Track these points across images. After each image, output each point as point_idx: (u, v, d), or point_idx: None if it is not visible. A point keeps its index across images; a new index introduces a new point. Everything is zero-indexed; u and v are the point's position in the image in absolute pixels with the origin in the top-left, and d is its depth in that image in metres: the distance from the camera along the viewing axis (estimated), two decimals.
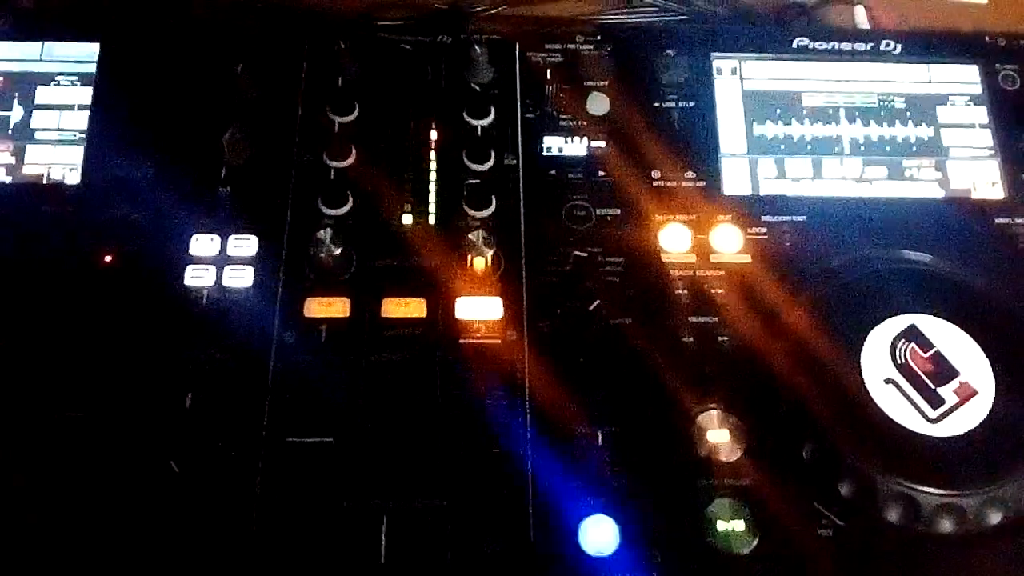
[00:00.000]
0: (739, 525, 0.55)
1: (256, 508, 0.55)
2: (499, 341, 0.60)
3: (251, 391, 0.58)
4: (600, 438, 0.58)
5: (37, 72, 0.68)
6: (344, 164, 0.65)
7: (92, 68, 0.68)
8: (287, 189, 0.64)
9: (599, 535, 0.55)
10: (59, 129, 0.67)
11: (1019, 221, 0.66)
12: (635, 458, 0.57)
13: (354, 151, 0.65)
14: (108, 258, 0.61)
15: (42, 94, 0.68)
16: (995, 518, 0.55)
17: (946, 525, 0.55)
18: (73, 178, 0.65)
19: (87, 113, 0.67)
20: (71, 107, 0.67)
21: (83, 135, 0.66)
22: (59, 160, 0.66)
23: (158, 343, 0.59)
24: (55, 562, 0.53)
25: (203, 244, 0.62)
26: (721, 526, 0.55)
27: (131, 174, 0.64)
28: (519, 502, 0.56)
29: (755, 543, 0.55)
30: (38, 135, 0.67)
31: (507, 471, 0.56)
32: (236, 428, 0.57)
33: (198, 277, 0.61)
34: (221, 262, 0.62)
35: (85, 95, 0.67)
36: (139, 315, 0.60)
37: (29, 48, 0.69)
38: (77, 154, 0.66)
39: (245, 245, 0.62)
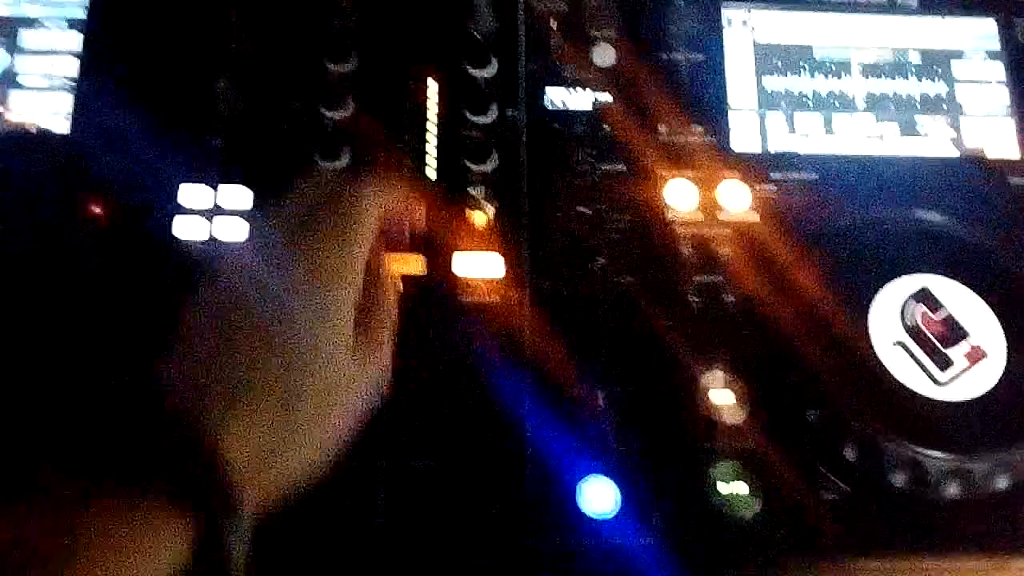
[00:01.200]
0: (742, 488, 0.54)
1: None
2: (499, 299, 0.59)
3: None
4: (602, 399, 0.57)
5: (18, 16, 0.66)
6: (341, 115, 0.63)
7: (81, 12, 0.66)
8: (282, 140, 0.62)
9: (598, 496, 0.54)
10: (47, 75, 0.64)
11: None
12: (637, 420, 0.56)
13: (351, 101, 0.63)
14: (97, 208, 0.60)
15: (26, 38, 0.65)
16: (1003, 483, 0.54)
17: (953, 490, 0.54)
18: (62, 127, 0.63)
19: (75, 60, 0.64)
20: (58, 52, 0.65)
21: (71, 82, 0.64)
22: (48, 108, 0.64)
23: (148, 296, 0.57)
24: None
25: (193, 194, 0.60)
26: (724, 489, 0.54)
27: (122, 123, 0.62)
28: (517, 463, 0.55)
29: (758, 507, 0.54)
30: (21, 80, 0.64)
31: (505, 432, 0.55)
32: None
33: (188, 228, 0.59)
34: (212, 214, 0.60)
35: (72, 40, 0.65)
36: (129, 267, 0.58)
37: None
38: (65, 102, 0.64)
39: (238, 197, 0.61)
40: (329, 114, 0.63)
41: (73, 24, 0.66)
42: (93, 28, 0.65)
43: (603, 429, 0.56)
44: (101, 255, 0.58)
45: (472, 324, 0.58)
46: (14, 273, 0.57)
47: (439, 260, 0.59)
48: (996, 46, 0.69)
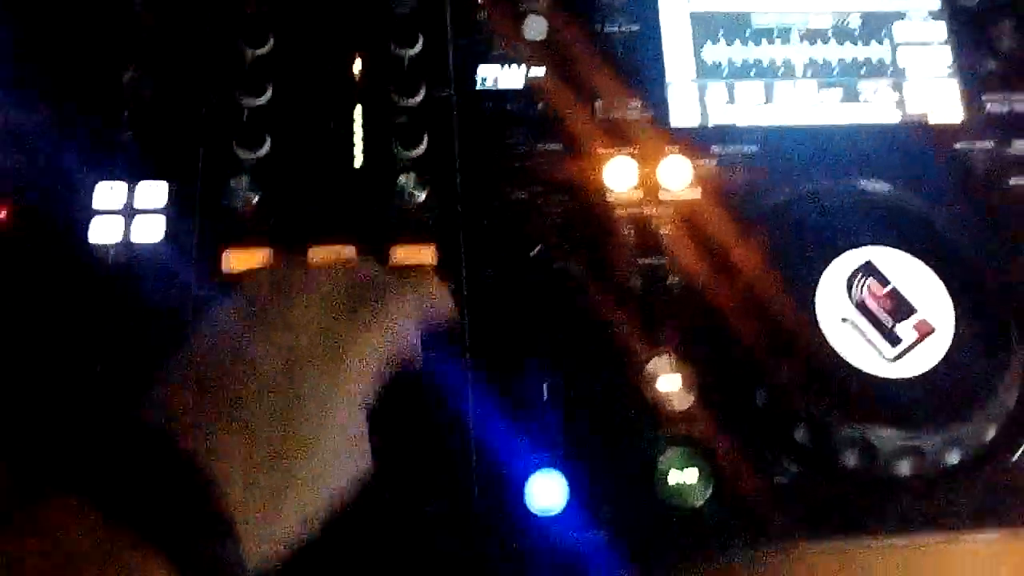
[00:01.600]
0: (692, 476, 0.53)
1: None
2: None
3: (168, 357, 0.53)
4: (545, 389, 0.55)
5: None
6: (259, 102, 0.60)
7: None
8: (197, 131, 0.59)
9: (546, 492, 0.52)
10: None
11: (979, 145, 0.63)
12: (583, 409, 0.54)
13: (269, 87, 0.60)
14: (1, 214, 0.56)
15: None
16: (955, 458, 0.54)
17: (905, 467, 0.53)
18: None
19: None
20: None
21: None
22: None
23: (62, 307, 0.54)
24: None
25: (107, 193, 0.57)
26: (673, 477, 0.53)
27: (24, 118, 0.58)
28: (462, 462, 0.53)
29: (709, 494, 0.53)
30: None
31: (448, 430, 0.53)
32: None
33: (103, 231, 0.56)
34: (129, 213, 0.57)
35: None
36: (40, 276, 0.55)
37: None
38: None
39: (154, 193, 0.57)
40: (247, 101, 0.60)
41: None
42: None
43: (548, 421, 0.54)
44: (5, 263, 0.55)
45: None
46: None
47: (370, 252, 0.57)
48: (937, 5, 0.67)
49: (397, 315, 0.48)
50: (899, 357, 0.54)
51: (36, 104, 0.58)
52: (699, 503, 0.53)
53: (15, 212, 0.56)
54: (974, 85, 0.65)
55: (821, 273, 0.56)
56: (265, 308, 0.45)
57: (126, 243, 0.56)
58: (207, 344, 0.44)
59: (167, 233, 0.56)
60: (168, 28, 0.61)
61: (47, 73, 0.59)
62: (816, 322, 0.55)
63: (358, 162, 0.59)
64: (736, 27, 0.65)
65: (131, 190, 0.57)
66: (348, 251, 0.56)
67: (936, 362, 0.54)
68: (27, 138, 0.58)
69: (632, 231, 0.59)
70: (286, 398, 0.42)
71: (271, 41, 0.61)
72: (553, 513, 0.52)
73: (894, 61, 0.65)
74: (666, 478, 0.53)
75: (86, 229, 0.56)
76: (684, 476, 0.53)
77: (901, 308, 0.56)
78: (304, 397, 0.43)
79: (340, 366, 0.44)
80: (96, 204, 0.56)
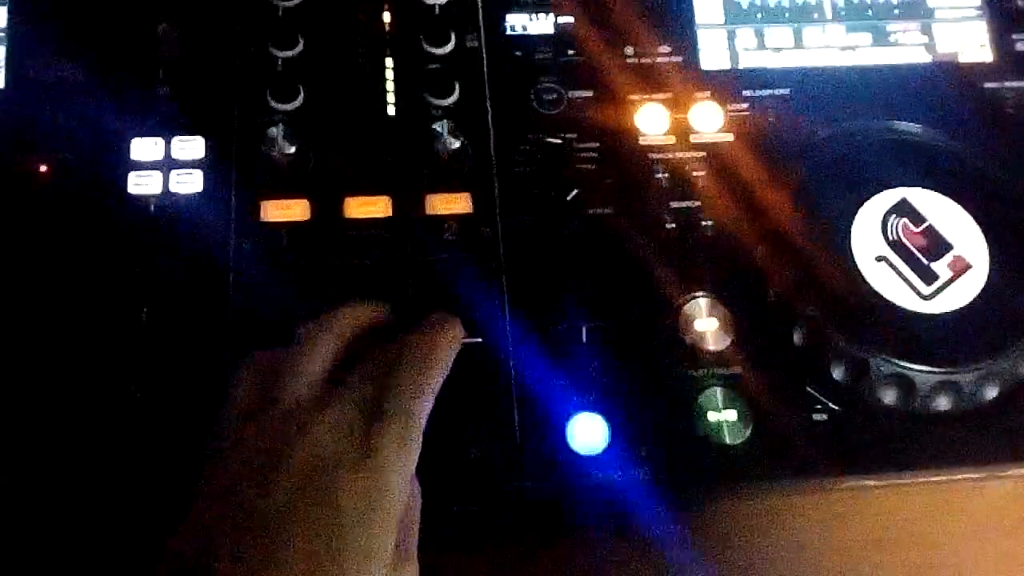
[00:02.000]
0: (731, 415, 0.54)
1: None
2: (472, 238, 0.57)
3: (210, 304, 0.54)
4: (584, 334, 0.55)
5: None
6: (291, 53, 0.60)
7: None
8: (232, 84, 0.59)
9: (588, 433, 0.53)
10: None
11: (1008, 85, 0.63)
12: (621, 352, 0.55)
13: (301, 39, 0.60)
14: (43, 167, 0.56)
15: None
16: (991, 393, 0.54)
17: (943, 403, 0.54)
18: None
19: (2, 9, 0.60)
20: None
21: (3, 33, 0.60)
22: None
23: (105, 257, 0.54)
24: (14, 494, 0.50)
25: (145, 147, 0.57)
26: (712, 417, 0.53)
27: (60, 74, 0.59)
28: (504, 405, 0.53)
29: (748, 432, 0.53)
30: None
31: (489, 374, 0.54)
32: (198, 344, 0.53)
33: (143, 184, 0.56)
34: (166, 166, 0.57)
35: None
36: (82, 228, 0.55)
37: None
38: None
39: (191, 147, 0.58)
40: (279, 53, 0.60)
41: None
42: None
43: (587, 364, 0.55)
44: (51, 216, 0.55)
45: (445, 266, 0.56)
46: None
47: (406, 201, 0.57)
48: None
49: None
50: (935, 294, 0.55)
51: (73, 61, 0.59)
52: (739, 441, 0.53)
53: (55, 167, 0.56)
54: (1003, 25, 0.65)
55: (856, 213, 0.57)
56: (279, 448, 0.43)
57: (166, 193, 0.56)
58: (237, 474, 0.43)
59: (205, 186, 0.57)
60: None
61: (82, 30, 0.60)
62: (852, 260, 0.55)
63: (391, 112, 0.60)
64: None
65: (168, 144, 0.57)
66: (384, 201, 0.57)
67: (972, 298, 0.55)
68: (65, 95, 0.58)
69: (665, 175, 0.59)
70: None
71: None
72: (595, 453, 0.53)
73: (923, 2, 0.65)
74: (705, 417, 0.53)
75: (125, 182, 0.56)
76: (723, 415, 0.54)
77: (936, 246, 0.56)
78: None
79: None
80: (134, 157, 0.57)
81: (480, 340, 0.54)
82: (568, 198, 0.58)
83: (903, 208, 0.57)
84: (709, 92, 0.61)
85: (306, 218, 0.56)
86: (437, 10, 0.62)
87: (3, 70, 0.59)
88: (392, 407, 0.45)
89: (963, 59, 0.64)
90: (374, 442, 0.43)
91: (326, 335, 0.48)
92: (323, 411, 0.44)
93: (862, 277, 0.55)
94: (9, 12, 0.60)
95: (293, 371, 0.46)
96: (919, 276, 0.55)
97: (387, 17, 0.62)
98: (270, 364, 0.47)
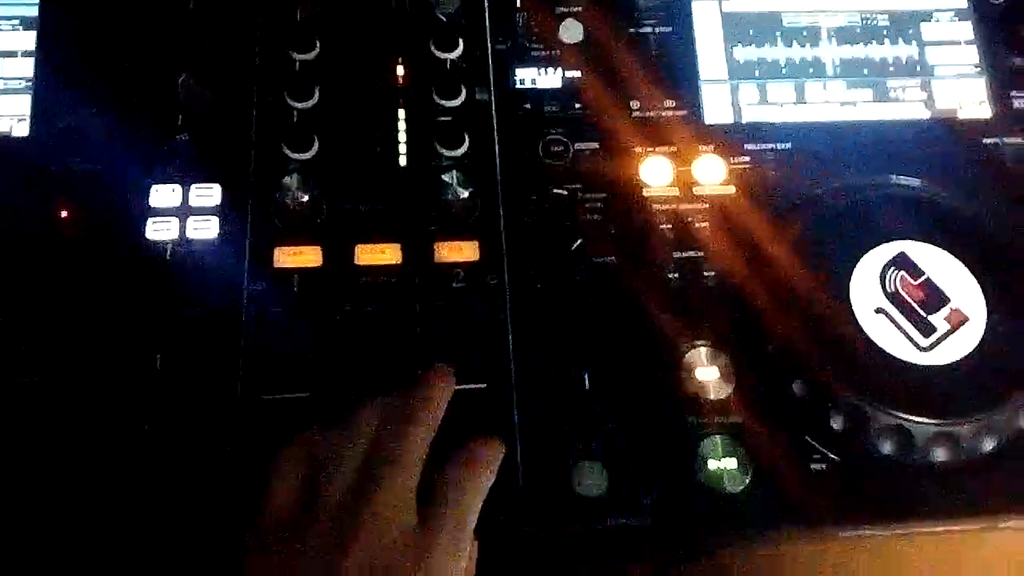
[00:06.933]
0: (731, 463, 0.54)
1: (232, 469, 0.53)
2: (479, 285, 0.58)
3: (223, 348, 0.55)
4: (587, 381, 0.56)
5: None
6: (307, 105, 0.62)
7: (34, 10, 0.64)
8: (249, 133, 0.61)
9: (589, 478, 0.54)
10: (3, 78, 0.63)
11: (1007, 140, 0.65)
12: (623, 399, 0.56)
13: (317, 91, 0.62)
14: (64, 213, 0.58)
15: None
16: (989, 445, 0.55)
17: (940, 454, 0.54)
18: (21, 129, 0.61)
19: (29, 60, 0.63)
20: (14, 54, 0.63)
21: (29, 83, 0.62)
22: (5, 111, 0.62)
23: (122, 301, 0.56)
24: (25, 530, 0.52)
25: (164, 195, 0.59)
26: (712, 464, 0.54)
27: (83, 123, 0.61)
28: (507, 449, 0.54)
29: (747, 480, 0.54)
30: None
31: (494, 419, 0.55)
32: (209, 388, 0.54)
33: (160, 230, 0.58)
34: (184, 213, 0.59)
35: (28, 40, 0.63)
36: (100, 272, 0.57)
37: None
38: (24, 104, 0.62)
39: (208, 194, 0.60)
40: (296, 104, 0.62)
41: (27, 23, 0.64)
42: (46, 25, 0.63)
43: (590, 410, 0.56)
44: (70, 261, 0.57)
45: (453, 312, 0.57)
46: None
47: (416, 248, 0.59)
48: (964, 4, 0.68)
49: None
50: (933, 346, 0.56)
51: (95, 111, 0.61)
52: (738, 489, 0.54)
53: (76, 213, 0.58)
54: (1001, 82, 0.67)
55: (855, 265, 0.58)
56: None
57: (182, 239, 0.58)
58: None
59: (221, 232, 0.58)
60: (220, 36, 0.63)
61: (105, 81, 0.62)
62: (851, 312, 0.56)
63: (402, 162, 0.61)
64: (767, 27, 0.67)
65: (185, 191, 0.59)
66: (394, 249, 0.58)
67: (969, 351, 0.56)
68: (86, 143, 0.60)
69: (669, 226, 0.60)
70: None
71: (318, 47, 0.63)
72: (596, 496, 0.54)
73: (922, 59, 0.67)
74: (705, 465, 0.54)
75: (143, 228, 0.58)
76: (723, 463, 0.54)
77: (934, 298, 0.57)
78: None
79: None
80: (153, 204, 0.59)
81: (485, 385, 0.55)
82: (572, 248, 0.59)
83: (902, 261, 0.58)
84: (712, 146, 0.63)
85: (318, 264, 0.58)
86: (449, 64, 0.64)
87: (28, 119, 0.61)
88: (444, 510, 0.47)
89: (962, 115, 0.66)
90: (427, 553, 0.45)
91: (368, 412, 0.50)
92: (372, 515, 0.45)
93: (861, 329, 0.56)
94: (36, 61, 0.63)
95: (338, 459, 0.47)
96: (917, 328, 0.56)
97: (400, 70, 0.64)
98: (312, 451, 0.48)
